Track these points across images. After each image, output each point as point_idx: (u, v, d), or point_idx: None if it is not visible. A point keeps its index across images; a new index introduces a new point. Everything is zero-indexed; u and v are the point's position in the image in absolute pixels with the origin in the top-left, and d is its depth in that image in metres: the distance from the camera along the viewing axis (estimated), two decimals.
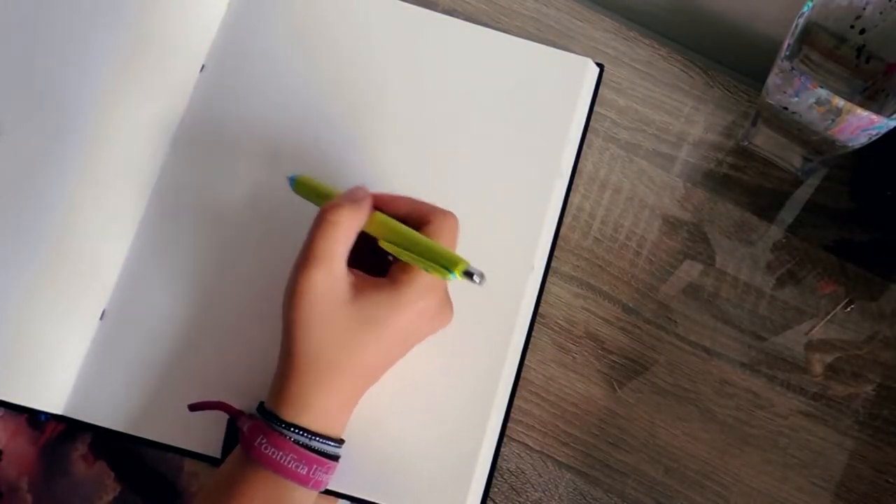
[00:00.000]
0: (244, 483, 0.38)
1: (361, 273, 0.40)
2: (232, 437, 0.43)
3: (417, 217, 0.40)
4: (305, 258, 0.38)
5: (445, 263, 0.37)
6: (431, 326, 0.41)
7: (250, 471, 0.38)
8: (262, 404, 0.40)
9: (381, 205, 0.41)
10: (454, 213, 0.40)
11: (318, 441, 0.38)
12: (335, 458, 0.40)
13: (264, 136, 0.49)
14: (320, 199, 0.41)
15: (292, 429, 0.38)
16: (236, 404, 0.44)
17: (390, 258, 0.41)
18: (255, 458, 0.38)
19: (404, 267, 0.39)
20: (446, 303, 0.41)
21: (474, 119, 0.50)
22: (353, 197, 0.39)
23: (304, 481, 0.38)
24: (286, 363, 0.39)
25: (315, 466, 0.38)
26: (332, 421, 0.39)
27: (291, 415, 0.38)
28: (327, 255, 0.38)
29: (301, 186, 0.43)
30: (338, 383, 0.39)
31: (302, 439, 0.38)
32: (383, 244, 0.39)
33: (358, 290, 0.38)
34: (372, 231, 0.39)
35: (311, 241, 0.38)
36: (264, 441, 0.37)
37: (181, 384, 0.45)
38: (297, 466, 0.37)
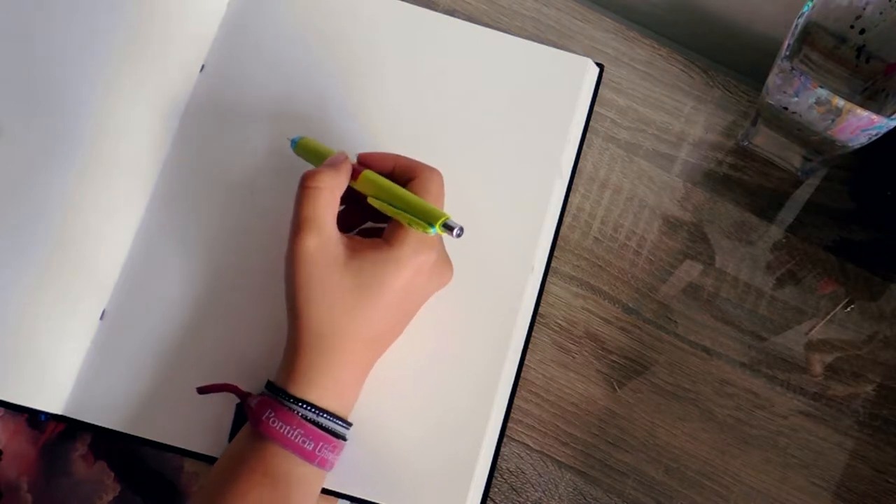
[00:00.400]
0: (251, 458, 0.38)
1: (355, 236, 0.40)
2: (240, 422, 0.43)
3: (404, 172, 0.41)
4: (295, 226, 0.39)
5: (427, 216, 0.38)
6: (431, 283, 0.41)
7: (258, 446, 0.38)
8: (269, 382, 0.40)
9: (370, 162, 0.42)
10: (440, 170, 0.41)
11: (326, 417, 0.39)
12: (342, 437, 0.40)
13: (264, 136, 0.49)
14: (319, 160, 0.42)
15: (300, 404, 0.38)
16: (236, 402, 0.44)
17: (383, 225, 0.42)
18: (262, 432, 0.38)
19: (397, 227, 0.39)
20: (444, 259, 0.42)
21: (474, 119, 0.50)
22: (332, 162, 0.41)
23: (309, 457, 0.38)
24: (293, 338, 0.39)
25: (322, 444, 0.38)
26: (341, 396, 0.40)
27: (300, 391, 0.38)
28: (315, 219, 0.38)
29: (301, 149, 0.44)
30: (346, 353, 0.39)
31: (309, 414, 0.38)
32: (371, 200, 0.40)
33: (353, 250, 0.39)
34: (360, 188, 0.41)
35: (297, 208, 0.39)
36: (272, 415, 0.38)
37: (181, 384, 0.45)
38: (303, 441, 0.38)
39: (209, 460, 0.44)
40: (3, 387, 0.44)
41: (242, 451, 0.39)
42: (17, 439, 0.45)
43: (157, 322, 0.46)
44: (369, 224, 0.45)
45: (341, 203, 0.41)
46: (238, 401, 0.43)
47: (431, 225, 0.37)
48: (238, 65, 0.51)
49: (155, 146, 0.49)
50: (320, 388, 0.39)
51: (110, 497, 0.45)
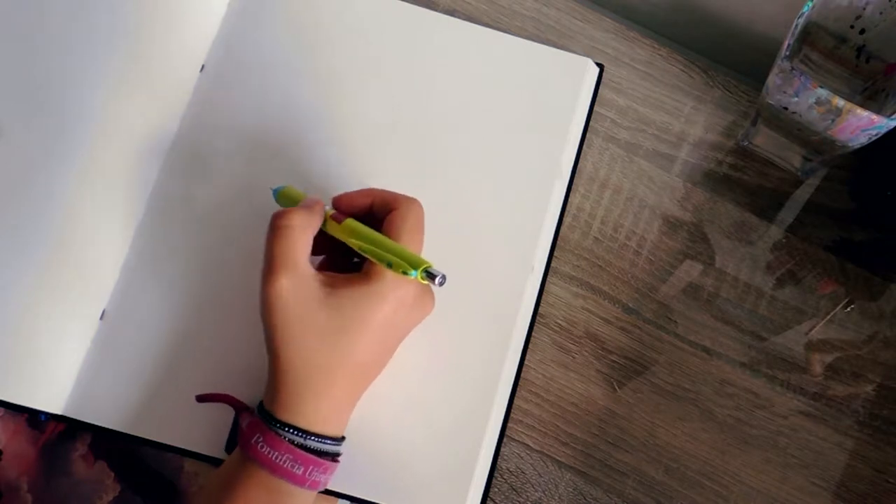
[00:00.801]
0: (241, 483, 0.38)
1: (331, 273, 0.40)
2: (237, 431, 0.43)
3: (383, 205, 0.41)
4: (267, 266, 0.38)
5: (406, 268, 0.37)
6: (413, 316, 0.41)
7: (248, 470, 0.38)
8: (261, 403, 0.40)
9: (348, 201, 0.41)
10: (420, 201, 0.41)
11: (314, 440, 0.38)
12: (334, 456, 0.39)
13: (264, 137, 0.49)
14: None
15: (287, 429, 0.38)
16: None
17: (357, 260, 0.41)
18: (251, 457, 0.37)
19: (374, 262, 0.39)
20: (425, 290, 0.41)
21: (474, 119, 0.50)
22: (304, 204, 0.40)
23: (300, 482, 0.38)
24: (273, 373, 0.39)
25: (311, 467, 0.38)
26: (330, 422, 0.39)
27: (286, 416, 0.38)
28: (287, 258, 0.38)
29: (283, 198, 0.44)
30: (330, 388, 0.38)
31: (297, 439, 0.38)
32: (352, 243, 0.39)
33: (330, 287, 0.38)
34: (341, 236, 0.40)
35: (267, 248, 0.38)
36: (261, 439, 0.37)
37: (181, 384, 0.45)
38: (292, 466, 0.37)
39: (209, 460, 0.44)
40: (3, 387, 0.44)
41: (232, 476, 0.38)
42: (17, 439, 0.45)
43: (157, 322, 0.46)
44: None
45: (321, 252, 0.40)
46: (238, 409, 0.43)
47: (413, 271, 0.37)
48: (238, 65, 0.51)
49: (155, 146, 0.49)
50: (309, 416, 0.38)
51: (110, 497, 0.45)
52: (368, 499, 0.43)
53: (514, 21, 0.53)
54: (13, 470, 0.45)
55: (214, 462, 0.44)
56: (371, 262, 0.39)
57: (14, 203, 0.47)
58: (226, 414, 0.44)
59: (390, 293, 0.38)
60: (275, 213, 0.39)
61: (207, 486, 0.40)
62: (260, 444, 0.37)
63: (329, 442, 0.39)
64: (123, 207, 0.48)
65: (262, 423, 0.38)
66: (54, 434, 0.46)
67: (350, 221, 0.40)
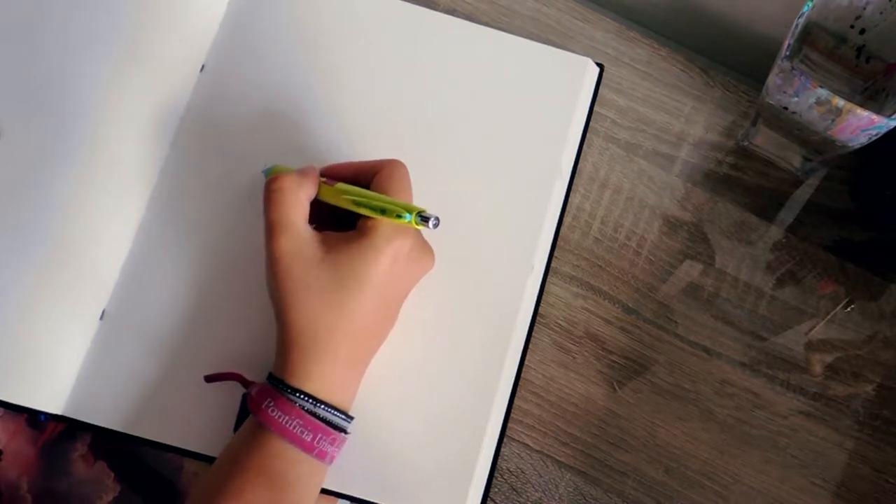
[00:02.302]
0: (249, 454, 0.38)
1: (329, 232, 0.40)
2: (244, 414, 0.43)
3: (367, 171, 0.42)
4: (266, 230, 0.39)
5: (401, 211, 0.38)
6: (411, 270, 0.41)
7: (257, 440, 0.38)
8: (270, 374, 0.40)
9: (333, 172, 0.43)
10: (402, 161, 0.41)
11: (323, 408, 0.39)
12: (342, 430, 0.40)
13: (264, 136, 0.49)
14: None
15: (298, 394, 0.38)
16: (237, 402, 0.44)
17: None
18: (261, 420, 0.38)
19: (369, 218, 0.39)
20: (422, 244, 0.42)
21: (474, 119, 0.50)
22: (298, 170, 0.42)
23: (308, 448, 0.38)
24: (281, 337, 0.39)
25: (320, 434, 0.38)
26: (338, 390, 0.40)
27: (297, 382, 0.38)
28: (284, 220, 0.39)
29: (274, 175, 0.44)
30: (336, 348, 0.39)
31: (307, 405, 0.38)
32: (344, 201, 0.40)
33: (328, 246, 0.39)
34: (334, 199, 0.41)
35: (265, 213, 0.40)
36: (272, 404, 0.38)
37: (181, 384, 0.45)
38: (301, 432, 0.38)
39: (209, 460, 0.44)
40: (3, 387, 0.44)
41: (241, 447, 0.39)
42: (17, 439, 0.45)
43: (157, 322, 0.46)
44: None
45: (317, 222, 0.41)
46: (243, 392, 0.43)
47: (407, 214, 0.38)
48: (238, 65, 0.50)
49: (155, 146, 0.49)
50: (317, 381, 0.39)
51: (110, 497, 0.45)
52: (368, 499, 0.43)
53: (514, 21, 0.53)
54: (13, 470, 0.45)
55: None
56: (365, 219, 0.39)
57: (14, 203, 0.47)
58: (227, 413, 0.44)
59: (386, 245, 0.39)
60: (268, 179, 0.40)
61: (215, 464, 0.40)
62: (271, 407, 0.38)
63: (337, 413, 0.39)
64: (123, 207, 0.48)
65: (272, 388, 0.38)
66: (54, 434, 0.46)
67: (341, 184, 0.41)
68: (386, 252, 0.39)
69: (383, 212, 0.38)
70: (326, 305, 0.38)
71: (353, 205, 0.40)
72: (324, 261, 0.39)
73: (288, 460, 0.38)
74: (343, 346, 0.39)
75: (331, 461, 0.40)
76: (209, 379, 0.44)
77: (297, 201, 0.40)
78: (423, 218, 0.38)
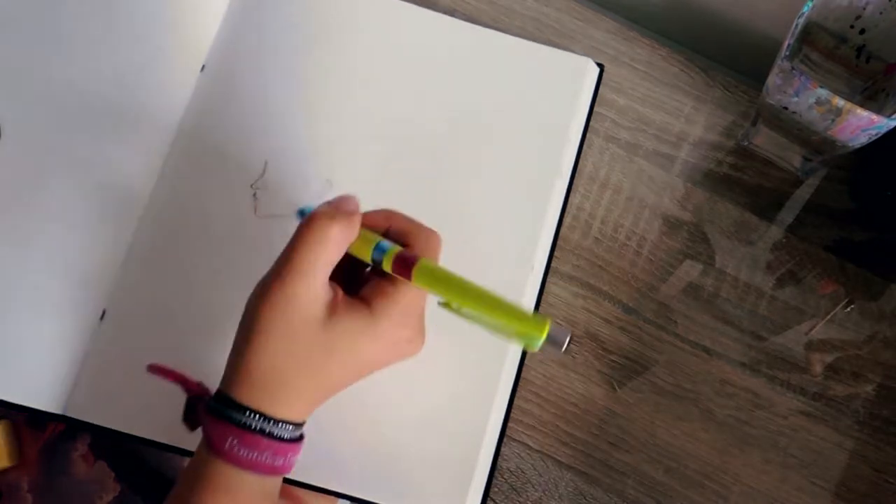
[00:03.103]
0: (216, 483, 0.35)
1: (339, 288, 0.37)
2: (192, 406, 0.42)
3: (399, 234, 0.38)
4: (287, 268, 0.35)
5: (528, 326, 0.32)
6: (399, 355, 0.39)
7: (224, 474, 0.36)
8: (222, 395, 0.36)
9: (366, 220, 0.38)
10: (439, 232, 0.38)
11: (284, 428, 0.36)
12: (301, 438, 0.38)
13: (264, 136, 0.49)
14: None
15: (255, 416, 0.35)
16: None
17: (367, 270, 0.39)
18: (230, 463, 0.35)
19: (382, 289, 0.37)
20: (420, 330, 0.39)
21: (474, 119, 0.50)
22: (344, 207, 0.37)
23: (281, 470, 0.36)
24: (244, 363, 0.36)
25: (290, 454, 0.36)
26: (293, 414, 0.37)
27: (253, 404, 0.35)
28: (311, 269, 0.35)
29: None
30: (287, 399, 0.36)
31: (268, 427, 0.35)
32: (441, 306, 0.36)
33: (331, 310, 0.36)
34: (421, 284, 0.36)
35: (295, 250, 0.35)
36: (236, 443, 0.35)
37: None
38: (274, 460, 0.36)
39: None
40: (4, 387, 0.44)
41: (200, 476, 0.36)
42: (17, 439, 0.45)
43: (157, 322, 0.46)
44: None
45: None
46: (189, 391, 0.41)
47: (540, 338, 0.31)
48: (238, 65, 0.50)
49: (155, 146, 0.49)
50: (286, 408, 0.36)
51: (110, 497, 0.45)
52: (368, 498, 0.43)
53: (514, 21, 0.53)
54: (13, 470, 0.45)
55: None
56: (375, 289, 0.36)
57: (14, 203, 0.47)
58: None
59: (389, 333, 0.36)
60: (315, 214, 0.35)
61: (172, 491, 0.37)
62: (236, 447, 0.35)
63: (298, 427, 0.37)
64: (123, 207, 0.48)
65: (230, 424, 0.35)
66: (54, 434, 0.46)
67: (426, 264, 0.35)
68: (388, 338, 0.36)
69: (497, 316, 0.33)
70: (299, 366, 0.36)
71: (453, 310, 0.35)
72: (324, 325, 0.35)
73: (263, 486, 0.36)
74: (306, 391, 0.37)
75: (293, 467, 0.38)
76: (151, 369, 0.41)
77: (336, 255, 0.36)
78: (554, 339, 0.32)
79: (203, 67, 0.50)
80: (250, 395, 0.36)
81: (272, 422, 0.35)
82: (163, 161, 0.49)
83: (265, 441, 0.35)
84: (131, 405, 0.45)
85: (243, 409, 0.35)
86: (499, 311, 0.34)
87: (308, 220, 0.35)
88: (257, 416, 0.35)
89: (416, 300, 0.38)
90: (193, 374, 0.45)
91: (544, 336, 0.32)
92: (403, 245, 0.37)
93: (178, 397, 0.45)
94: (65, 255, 0.46)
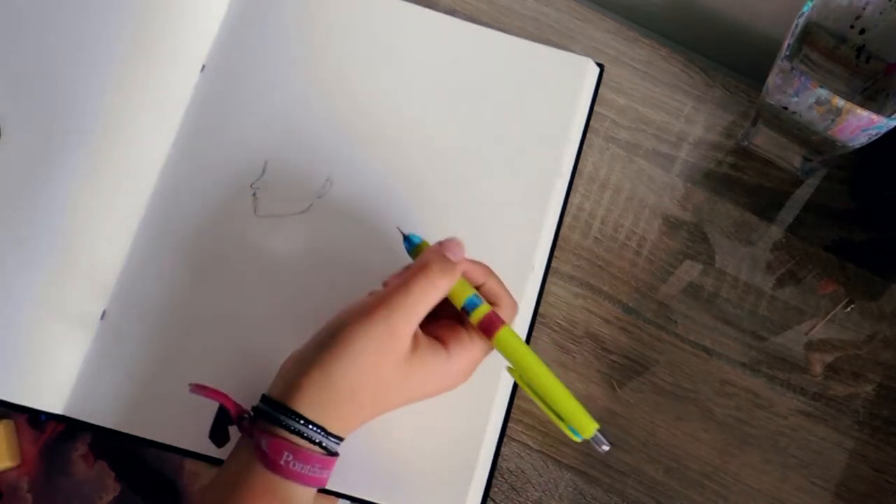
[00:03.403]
0: (256, 484, 0.36)
1: (421, 329, 0.39)
2: (221, 420, 0.42)
3: (489, 295, 0.41)
4: (396, 302, 0.37)
5: (579, 425, 0.37)
6: (446, 386, 0.41)
7: (264, 480, 0.36)
8: (275, 402, 0.37)
9: (465, 270, 0.40)
10: (516, 302, 0.41)
11: (333, 441, 0.38)
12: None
13: (264, 136, 0.49)
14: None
15: (307, 424, 0.37)
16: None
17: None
18: (286, 478, 0.36)
19: (460, 336, 0.39)
20: (471, 373, 0.41)
21: (474, 119, 0.50)
22: (452, 254, 0.40)
23: (323, 482, 0.38)
24: (309, 373, 0.37)
25: (333, 466, 0.38)
26: (341, 428, 0.39)
27: (304, 411, 0.37)
28: (415, 310, 0.38)
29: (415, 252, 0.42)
30: (346, 417, 0.38)
31: (318, 437, 0.37)
32: (510, 372, 0.40)
33: (415, 346, 0.38)
34: (499, 348, 0.39)
35: (407, 290, 0.38)
36: (290, 458, 0.36)
37: (181, 384, 0.45)
38: (321, 473, 0.37)
39: (209, 460, 0.44)
40: (4, 387, 0.44)
41: (246, 483, 0.37)
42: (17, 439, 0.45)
43: (157, 322, 0.46)
44: None
45: None
46: (219, 404, 0.41)
47: (580, 435, 0.37)
48: (238, 65, 0.51)
49: (155, 146, 0.49)
50: (322, 414, 0.37)
51: (110, 497, 0.45)
52: (368, 498, 0.43)
53: (514, 21, 0.53)
54: (13, 470, 0.45)
55: (214, 462, 0.44)
56: (453, 334, 0.39)
57: (14, 203, 0.47)
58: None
59: (458, 374, 0.40)
60: (428, 263, 0.38)
61: (209, 487, 0.38)
62: (291, 462, 0.36)
63: (338, 440, 0.39)
64: (124, 207, 0.48)
65: (284, 433, 0.36)
66: (54, 434, 0.46)
67: (509, 332, 0.39)
68: (454, 379, 0.40)
69: (558, 416, 0.38)
70: (378, 392, 0.38)
71: (519, 379, 0.39)
72: (407, 361, 0.38)
73: (297, 497, 0.37)
74: (357, 414, 0.39)
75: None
76: (195, 389, 0.42)
77: (437, 300, 0.38)
78: (596, 441, 0.37)
79: (203, 67, 0.51)
80: (313, 409, 0.37)
81: (329, 436, 0.37)
82: (163, 161, 0.49)
83: (318, 455, 0.37)
84: (131, 405, 0.45)
85: (305, 420, 0.37)
86: (558, 399, 0.38)
87: (423, 267, 0.38)
88: (319, 429, 0.37)
89: (484, 354, 0.41)
90: (193, 374, 0.45)
91: (589, 436, 0.37)
92: (491, 304, 0.40)
93: (178, 397, 0.45)
94: (65, 255, 0.46)
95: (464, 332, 0.40)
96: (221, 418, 0.42)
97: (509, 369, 0.40)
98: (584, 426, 0.37)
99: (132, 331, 0.46)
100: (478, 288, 0.41)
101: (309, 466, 0.37)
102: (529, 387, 0.39)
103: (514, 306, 0.42)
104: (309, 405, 0.37)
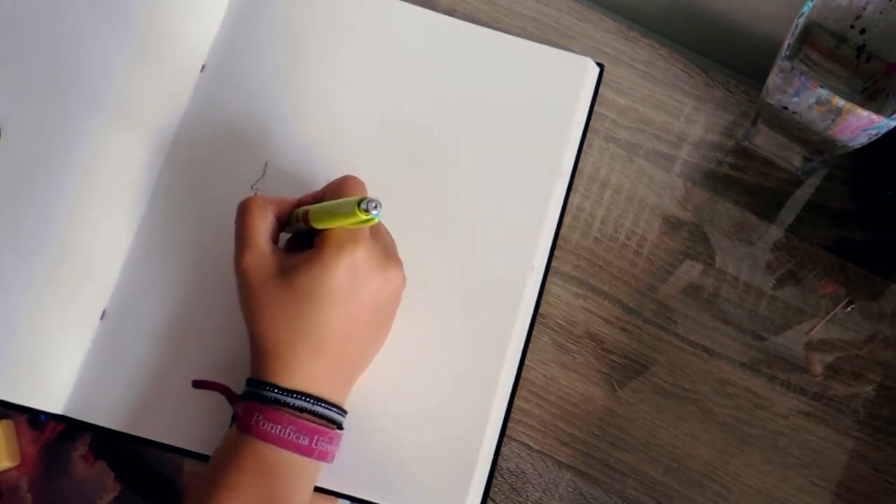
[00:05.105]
0: (242, 455, 0.38)
1: (294, 252, 0.41)
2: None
3: (330, 192, 0.42)
4: (235, 246, 0.41)
5: (349, 206, 0.38)
6: (374, 281, 0.40)
7: (248, 442, 0.38)
8: (250, 379, 0.40)
9: (305, 199, 0.43)
10: (357, 176, 0.42)
11: (310, 402, 0.38)
12: (336, 424, 0.40)
13: (264, 136, 0.49)
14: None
15: (285, 393, 0.38)
16: None
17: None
18: (255, 437, 0.38)
19: (322, 232, 0.40)
20: (381, 253, 0.41)
21: (474, 119, 0.50)
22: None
23: (307, 452, 0.38)
24: (252, 346, 0.40)
25: (317, 437, 0.38)
26: (323, 388, 0.39)
27: (276, 379, 0.39)
28: (248, 236, 0.40)
29: None
30: (304, 359, 0.39)
31: (292, 401, 0.38)
32: (316, 225, 0.40)
33: (287, 262, 0.40)
34: (296, 226, 0.42)
35: (235, 230, 0.41)
36: (260, 418, 0.38)
37: (181, 384, 0.45)
38: (298, 438, 0.38)
39: (209, 460, 0.44)
40: (3, 387, 0.44)
41: (231, 449, 0.38)
42: (17, 439, 0.45)
43: (157, 322, 0.46)
44: None
45: (300, 246, 0.42)
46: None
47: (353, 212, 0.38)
48: (238, 65, 0.51)
49: (155, 146, 0.49)
50: (297, 378, 0.39)
51: (110, 497, 0.45)
52: (368, 498, 0.43)
53: (514, 21, 0.53)
54: (13, 470, 0.45)
55: None
56: (320, 235, 0.40)
57: (13, 203, 0.47)
58: (226, 413, 0.44)
59: (335, 257, 0.39)
60: (241, 201, 0.42)
61: (205, 470, 0.39)
62: (260, 422, 0.38)
63: (327, 406, 0.39)
64: (124, 207, 0.48)
65: (256, 402, 0.38)
66: (54, 434, 0.46)
67: (311, 206, 0.41)
68: (336, 263, 0.38)
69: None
70: (285, 319, 0.39)
71: (304, 222, 0.41)
72: (280, 274, 0.39)
73: (283, 461, 0.38)
74: (311, 355, 0.39)
75: (332, 459, 0.40)
76: (197, 384, 0.44)
77: (261, 220, 0.41)
78: (365, 208, 0.37)
79: (203, 67, 0.51)
80: (267, 372, 0.39)
81: (286, 392, 0.38)
82: (163, 161, 0.49)
83: (286, 416, 0.38)
84: (131, 405, 0.45)
85: (263, 384, 0.39)
86: (335, 206, 0.39)
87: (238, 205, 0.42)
88: (274, 388, 0.38)
89: (347, 233, 0.40)
90: (193, 374, 0.45)
91: (358, 211, 0.37)
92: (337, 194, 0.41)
93: (178, 397, 0.45)
94: (65, 255, 0.46)
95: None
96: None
97: (316, 225, 0.40)
98: (349, 203, 0.38)
99: (132, 331, 0.46)
100: (324, 199, 0.42)
101: (279, 427, 0.37)
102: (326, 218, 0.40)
103: (347, 176, 0.42)
104: (263, 370, 0.39)
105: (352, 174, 0.42)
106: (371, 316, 0.41)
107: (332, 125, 0.49)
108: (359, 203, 0.37)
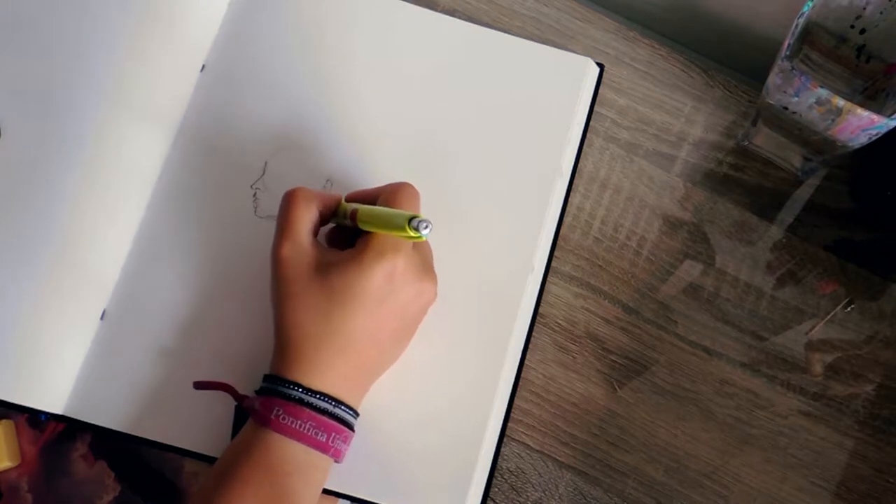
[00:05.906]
0: (255, 449, 0.38)
1: (333, 248, 0.42)
2: (240, 422, 0.43)
3: (384, 196, 0.42)
4: (276, 234, 0.41)
5: (400, 220, 0.37)
6: (408, 291, 0.40)
7: (263, 437, 0.38)
8: (270, 375, 0.40)
9: (353, 196, 0.43)
10: (413, 185, 0.42)
11: (330, 403, 0.39)
12: (349, 426, 0.40)
13: (264, 136, 0.49)
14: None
15: (299, 389, 0.38)
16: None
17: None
18: (275, 430, 0.38)
19: (365, 234, 0.40)
20: (419, 267, 0.41)
21: (474, 119, 0.50)
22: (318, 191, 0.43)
23: (324, 448, 0.38)
24: (277, 337, 0.40)
25: (333, 434, 0.39)
26: (340, 389, 0.40)
27: (297, 377, 0.39)
28: (290, 227, 0.40)
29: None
30: (329, 357, 0.39)
31: (312, 400, 0.38)
32: (362, 226, 0.40)
33: (326, 259, 0.40)
34: (341, 221, 0.42)
35: (277, 219, 0.41)
36: (280, 412, 0.38)
37: (181, 384, 0.45)
38: (316, 433, 0.38)
39: (209, 460, 0.44)
40: (4, 387, 0.44)
41: (246, 443, 0.38)
42: (17, 439, 0.45)
43: (157, 322, 0.46)
44: None
45: (340, 241, 0.43)
46: (236, 403, 0.43)
47: (403, 228, 0.37)
48: (238, 65, 0.51)
49: (155, 146, 0.49)
50: (317, 377, 0.39)
51: (110, 497, 0.45)
52: (368, 498, 0.43)
53: (514, 21, 0.53)
54: (13, 470, 0.45)
55: (214, 462, 0.44)
56: (364, 236, 0.40)
57: (14, 203, 0.47)
58: (226, 413, 0.44)
59: (375, 262, 0.39)
60: (289, 190, 0.42)
61: (217, 463, 0.39)
62: (280, 416, 0.38)
63: (344, 408, 0.39)
64: (124, 207, 0.48)
65: (276, 398, 0.38)
66: (54, 434, 0.46)
67: (361, 206, 0.41)
68: (375, 268, 0.39)
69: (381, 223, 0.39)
70: (314, 315, 0.39)
71: (350, 219, 0.40)
72: (317, 270, 0.39)
73: (296, 456, 0.38)
74: (335, 355, 0.39)
75: (342, 459, 0.40)
76: (198, 385, 0.43)
77: (306, 212, 0.41)
78: (415, 227, 0.37)
79: (203, 67, 0.51)
80: (290, 369, 0.39)
81: (310, 392, 0.38)
82: (163, 161, 0.49)
83: (307, 412, 0.38)
84: (131, 405, 0.45)
85: (286, 382, 0.39)
86: (384, 215, 0.39)
87: (284, 193, 0.42)
88: (298, 387, 0.38)
89: (390, 240, 0.40)
90: (193, 374, 0.45)
91: (408, 228, 0.37)
92: (388, 201, 0.41)
93: (178, 397, 0.45)
94: (65, 255, 0.46)
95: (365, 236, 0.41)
96: (239, 413, 0.42)
97: (362, 225, 0.40)
98: (401, 218, 0.37)
99: (132, 331, 0.46)
100: (374, 199, 0.42)
101: (300, 422, 0.38)
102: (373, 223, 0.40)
103: (401, 184, 0.42)
104: (286, 367, 0.39)
105: (408, 182, 0.42)
106: (398, 324, 0.41)
107: (331, 125, 0.49)
108: (410, 220, 0.37)
